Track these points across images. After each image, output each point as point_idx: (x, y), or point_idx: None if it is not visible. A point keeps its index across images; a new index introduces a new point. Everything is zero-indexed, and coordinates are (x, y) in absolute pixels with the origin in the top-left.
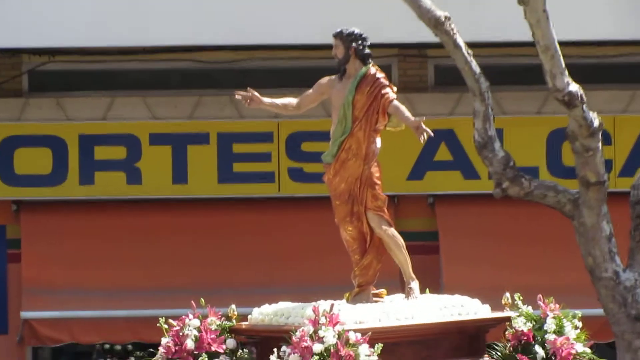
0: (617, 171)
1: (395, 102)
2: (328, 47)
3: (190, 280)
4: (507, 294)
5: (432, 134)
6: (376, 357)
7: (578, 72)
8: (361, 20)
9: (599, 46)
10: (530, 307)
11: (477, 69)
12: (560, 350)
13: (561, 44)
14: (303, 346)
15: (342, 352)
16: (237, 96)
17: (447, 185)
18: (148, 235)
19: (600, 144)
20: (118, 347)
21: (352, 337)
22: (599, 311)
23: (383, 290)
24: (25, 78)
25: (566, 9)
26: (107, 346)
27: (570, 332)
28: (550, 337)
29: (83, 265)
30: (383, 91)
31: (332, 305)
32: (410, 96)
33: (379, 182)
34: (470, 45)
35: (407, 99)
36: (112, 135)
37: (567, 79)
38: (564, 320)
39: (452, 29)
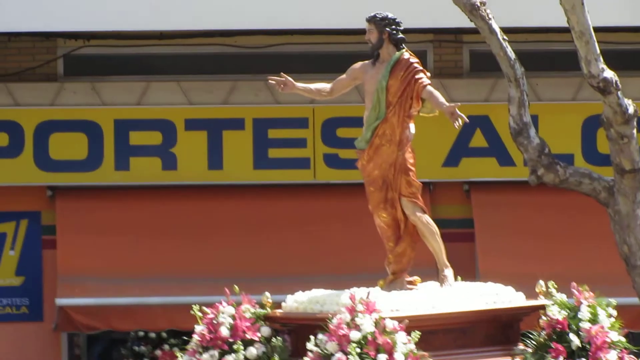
0: None
1: (429, 88)
2: (362, 32)
3: (226, 267)
4: (541, 282)
5: (467, 120)
6: (413, 345)
7: (613, 59)
8: (396, 6)
9: (634, 32)
10: (564, 295)
11: (513, 55)
12: (596, 339)
13: (596, 30)
14: (340, 334)
15: (380, 340)
16: (270, 81)
17: (482, 172)
18: (183, 222)
19: (635, 131)
20: (152, 335)
21: (390, 324)
22: (634, 300)
23: (417, 278)
24: (61, 62)
25: None
26: (141, 333)
27: (605, 321)
28: (585, 325)
29: (118, 252)
30: (417, 76)
31: (369, 292)
32: (445, 82)
33: (413, 168)
34: (506, 30)
35: (442, 85)
36: (148, 120)
37: (602, 65)
38: (598, 309)
39: (488, 15)
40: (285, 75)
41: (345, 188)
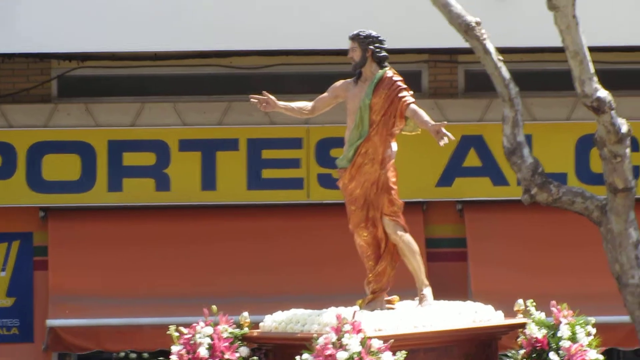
0: None
1: (413, 106)
2: None
3: (219, 288)
4: (520, 301)
5: (453, 138)
6: None
7: (607, 78)
8: (391, 26)
9: (628, 52)
10: (543, 314)
11: (507, 75)
12: (575, 357)
13: (590, 49)
14: (327, 354)
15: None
16: (252, 100)
17: (476, 191)
18: (176, 243)
19: (628, 150)
20: (133, 355)
21: (376, 344)
22: (626, 318)
23: (395, 297)
24: (55, 83)
25: (596, 14)
26: (133, 355)
27: (583, 339)
28: (565, 343)
29: (110, 272)
30: (400, 94)
31: (355, 312)
32: (440, 102)
33: (395, 187)
34: (500, 50)
35: (437, 105)
36: (141, 141)
37: (596, 84)
38: (577, 327)
39: (483, 35)
40: (267, 93)
41: (339, 208)
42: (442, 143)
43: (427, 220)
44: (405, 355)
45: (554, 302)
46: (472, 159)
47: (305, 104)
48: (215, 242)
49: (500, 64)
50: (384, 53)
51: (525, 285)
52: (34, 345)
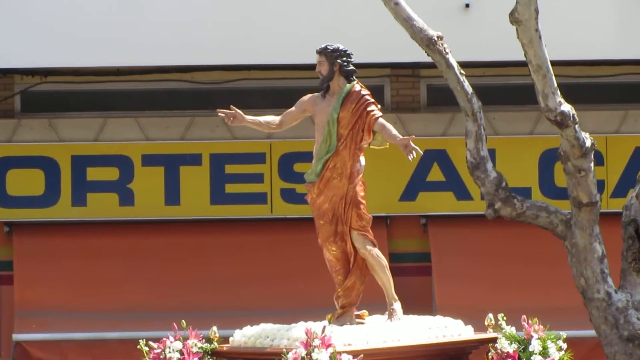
0: (610, 192)
1: (381, 120)
2: None
3: (185, 302)
4: (490, 315)
5: (421, 153)
6: None
7: (570, 92)
8: (353, 40)
9: (591, 66)
10: (513, 328)
11: (470, 89)
12: None
13: (553, 63)
14: None
15: None
16: (220, 114)
17: (439, 206)
18: (141, 257)
19: (592, 164)
20: None
21: (345, 359)
22: (591, 332)
23: (365, 312)
24: (18, 99)
25: (558, 29)
26: None
27: (555, 354)
28: (537, 358)
29: (75, 287)
30: (369, 108)
31: (324, 327)
32: (402, 116)
33: (363, 201)
34: (463, 65)
35: (399, 119)
36: (105, 156)
37: (559, 99)
38: (548, 342)
39: (445, 49)
40: (234, 108)
41: (302, 222)
42: (410, 157)
43: (391, 234)
44: None
45: (524, 316)
46: (435, 174)
47: (273, 119)
48: (180, 257)
49: (463, 78)
50: (351, 67)
51: (490, 299)
52: None
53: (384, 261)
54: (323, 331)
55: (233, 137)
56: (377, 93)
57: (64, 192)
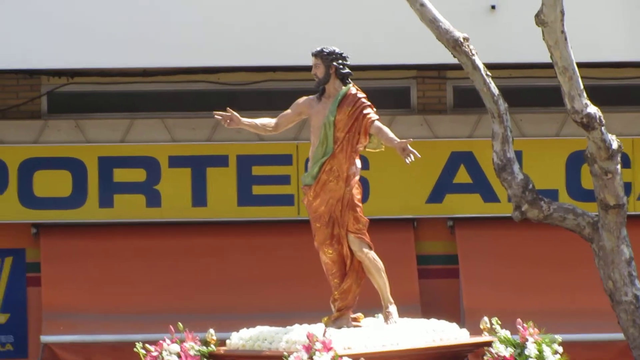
0: (637, 194)
1: (378, 123)
2: (350, 68)
3: (211, 304)
4: (485, 318)
5: (419, 156)
6: None
7: (596, 94)
8: (380, 43)
9: (618, 68)
10: (508, 332)
11: (496, 91)
12: None
13: (579, 65)
14: None
15: None
16: (216, 116)
17: (466, 208)
18: (167, 259)
19: (619, 166)
20: None
21: None
22: (620, 335)
23: (360, 315)
24: (44, 100)
25: (584, 30)
26: None
27: (550, 357)
28: None
29: (103, 288)
30: (365, 111)
31: (326, 330)
32: (428, 118)
33: (360, 204)
34: (489, 66)
35: (426, 121)
36: (131, 157)
37: (586, 100)
38: (544, 346)
39: (471, 50)
40: (231, 110)
41: None
42: (408, 161)
43: (418, 237)
44: None
45: (519, 320)
46: (462, 176)
47: (269, 121)
48: (205, 258)
49: (489, 80)
50: (347, 70)
51: (517, 301)
52: None
53: (380, 264)
54: (324, 334)
55: (260, 138)
56: (404, 95)
57: (90, 194)
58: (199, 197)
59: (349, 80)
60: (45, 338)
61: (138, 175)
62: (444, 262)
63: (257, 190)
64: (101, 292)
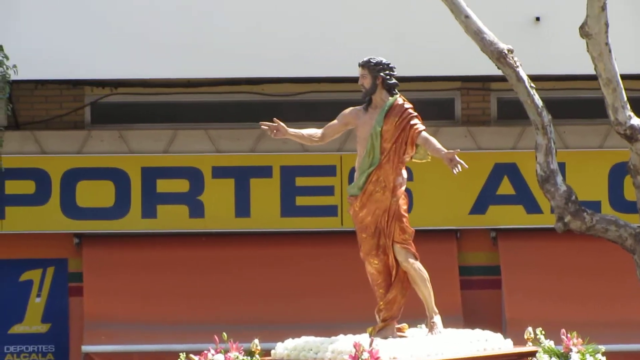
0: None
1: (425, 134)
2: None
3: (253, 314)
4: (530, 329)
5: (466, 166)
6: None
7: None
8: (424, 54)
9: None
10: (552, 342)
11: (540, 102)
12: None
13: (623, 77)
14: None
15: None
16: (262, 127)
17: (509, 219)
18: (210, 269)
19: None
20: None
21: None
22: None
23: (405, 325)
24: (88, 110)
25: (629, 42)
26: None
27: None
28: None
29: (145, 299)
30: (412, 122)
31: (372, 340)
32: (472, 129)
33: (406, 214)
34: (533, 78)
35: (469, 132)
36: (175, 168)
37: (629, 112)
38: (587, 355)
39: (515, 62)
40: (277, 120)
41: None
42: (455, 171)
43: (461, 248)
44: None
45: (563, 330)
46: (505, 187)
47: (315, 131)
48: (249, 269)
49: (533, 92)
50: (394, 80)
51: (560, 312)
52: None
53: (426, 274)
54: (371, 345)
55: (303, 149)
56: (448, 106)
57: (133, 204)
58: (242, 207)
59: (396, 90)
60: (86, 348)
61: (181, 185)
62: (486, 273)
63: (300, 201)
64: (143, 302)
